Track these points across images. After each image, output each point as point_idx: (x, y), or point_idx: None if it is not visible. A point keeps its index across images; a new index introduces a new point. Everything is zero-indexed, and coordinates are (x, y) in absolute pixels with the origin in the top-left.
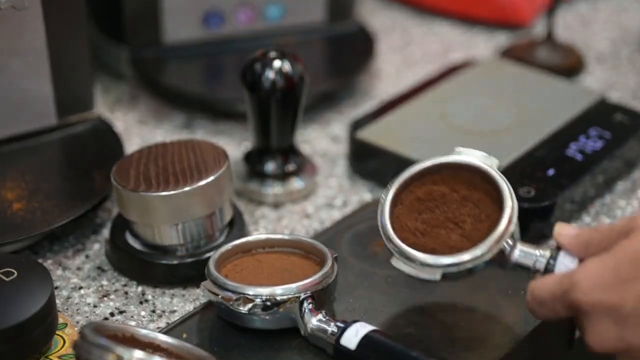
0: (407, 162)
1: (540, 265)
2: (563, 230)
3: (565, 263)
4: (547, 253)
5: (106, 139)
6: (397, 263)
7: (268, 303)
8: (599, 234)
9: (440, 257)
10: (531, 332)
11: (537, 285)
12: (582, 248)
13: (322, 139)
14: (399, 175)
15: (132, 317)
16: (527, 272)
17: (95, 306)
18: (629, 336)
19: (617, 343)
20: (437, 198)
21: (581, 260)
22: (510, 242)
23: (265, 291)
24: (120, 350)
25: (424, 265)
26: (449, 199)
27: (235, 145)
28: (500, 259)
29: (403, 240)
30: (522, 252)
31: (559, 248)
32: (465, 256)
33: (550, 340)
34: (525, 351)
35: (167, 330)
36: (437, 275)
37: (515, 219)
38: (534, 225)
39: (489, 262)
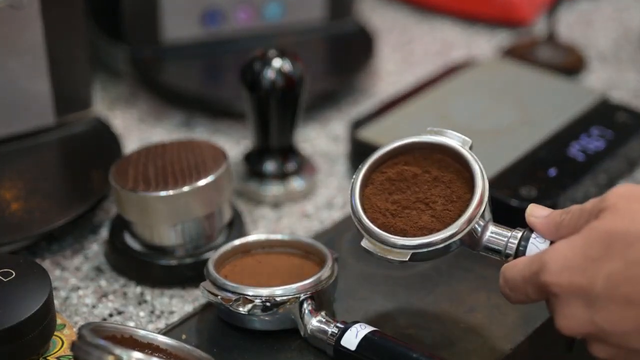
0: None
1: (512, 247)
2: (534, 212)
3: (536, 245)
4: (518, 235)
5: (105, 139)
6: (367, 244)
7: (268, 304)
8: (570, 215)
9: (410, 238)
10: (532, 334)
11: (508, 267)
12: (553, 229)
13: (322, 139)
14: (370, 155)
15: (130, 317)
16: (499, 256)
17: (93, 307)
18: (598, 319)
19: (587, 326)
20: (408, 178)
21: (552, 243)
22: (481, 223)
23: (264, 292)
24: (119, 351)
25: (394, 246)
26: (420, 180)
27: (234, 144)
28: (472, 241)
29: (373, 221)
30: (493, 234)
31: (530, 230)
32: (435, 237)
33: (551, 342)
34: (526, 353)
35: (166, 331)
36: (406, 257)
37: (486, 200)
38: None
39: (461, 244)
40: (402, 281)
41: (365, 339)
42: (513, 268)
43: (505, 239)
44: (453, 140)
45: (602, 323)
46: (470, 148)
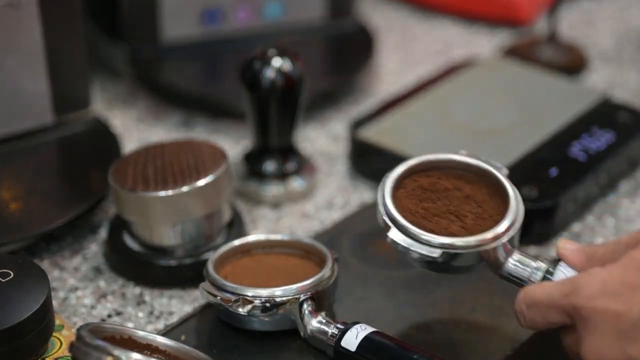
0: None
1: (536, 278)
2: (565, 245)
3: (564, 272)
4: (545, 265)
5: (103, 138)
6: (396, 235)
7: (267, 304)
8: (604, 248)
9: (436, 236)
10: (533, 335)
11: (531, 287)
12: (585, 261)
13: (322, 138)
14: (402, 163)
15: (129, 318)
16: (522, 283)
17: (92, 307)
18: (631, 349)
19: (617, 356)
20: (439, 190)
21: None
22: (508, 246)
23: (264, 292)
24: (118, 352)
25: (419, 241)
26: (452, 195)
27: (234, 144)
28: (496, 263)
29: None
30: (518, 261)
31: (558, 261)
32: (459, 240)
33: (552, 344)
34: (527, 354)
35: (165, 332)
36: (436, 253)
37: (518, 225)
38: (537, 226)
39: (483, 262)
40: (402, 281)
41: (365, 339)
42: (539, 288)
43: (530, 269)
44: (487, 164)
45: (634, 353)
46: (506, 176)
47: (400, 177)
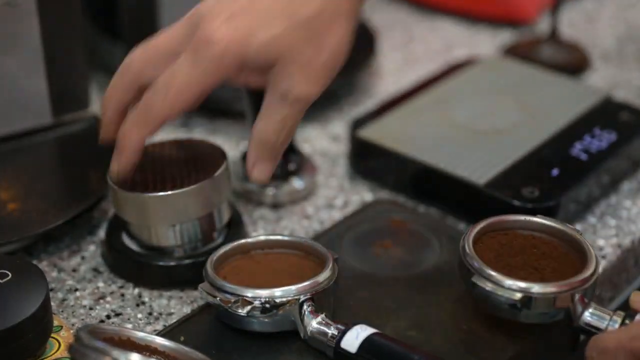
0: (408, 162)
1: (613, 326)
2: (639, 297)
3: None
4: (620, 318)
5: None
6: (478, 279)
7: (267, 305)
8: None
9: (516, 281)
10: (534, 336)
11: (600, 335)
12: None
13: (322, 138)
14: (480, 221)
15: (128, 319)
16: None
17: (91, 308)
18: None
19: None
20: (516, 247)
21: None
22: (585, 299)
23: (264, 293)
24: (117, 353)
25: (501, 285)
26: (529, 252)
27: (233, 144)
28: (572, 314)
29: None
30: (595, 314)
31: (632, 314)
32: (537, 286)
33: (554, 344)
34: (529, 355)
35: (164, 333)
36: (517, 296)
37: (595, 280)
38: None
39: (560, 313)
40: (402, 281)
41: (366, 340)
42: (608, 335)
43: (607, 320)
44: (559, 225)
45: None
46: (581, 236)
47: (478, 234)
